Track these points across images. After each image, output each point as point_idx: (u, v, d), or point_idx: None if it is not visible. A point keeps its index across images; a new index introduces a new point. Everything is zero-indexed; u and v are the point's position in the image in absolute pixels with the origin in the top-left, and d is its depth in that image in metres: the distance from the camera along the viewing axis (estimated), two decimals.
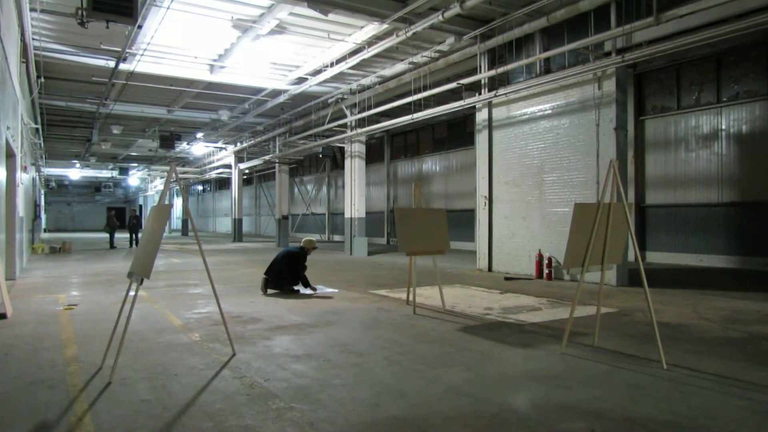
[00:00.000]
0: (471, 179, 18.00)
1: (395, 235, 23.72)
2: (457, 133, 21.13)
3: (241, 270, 12.91)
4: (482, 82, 12.15)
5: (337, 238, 28.73)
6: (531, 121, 11.41)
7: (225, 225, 42.84)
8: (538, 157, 11.23)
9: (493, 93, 11.72)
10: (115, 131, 21.44)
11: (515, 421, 3.43)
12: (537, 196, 11.25)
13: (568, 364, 4.67)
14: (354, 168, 17.71)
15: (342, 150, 21.49)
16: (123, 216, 41.97)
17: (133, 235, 22.63)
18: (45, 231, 38.29)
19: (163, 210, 4.66)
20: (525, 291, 9.11)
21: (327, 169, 29.95)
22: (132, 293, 4.64)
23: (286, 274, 8.85)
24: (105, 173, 43.22)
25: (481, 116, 12.51)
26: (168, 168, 35.29)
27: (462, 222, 19.67)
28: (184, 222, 38.51)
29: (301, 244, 9.13)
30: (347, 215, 18.02)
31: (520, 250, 11.58)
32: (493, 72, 11.51)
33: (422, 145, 23.17)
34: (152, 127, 22.96)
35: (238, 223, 27.92)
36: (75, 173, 43.05)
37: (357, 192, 17.63)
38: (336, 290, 9.22)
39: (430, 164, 22.63)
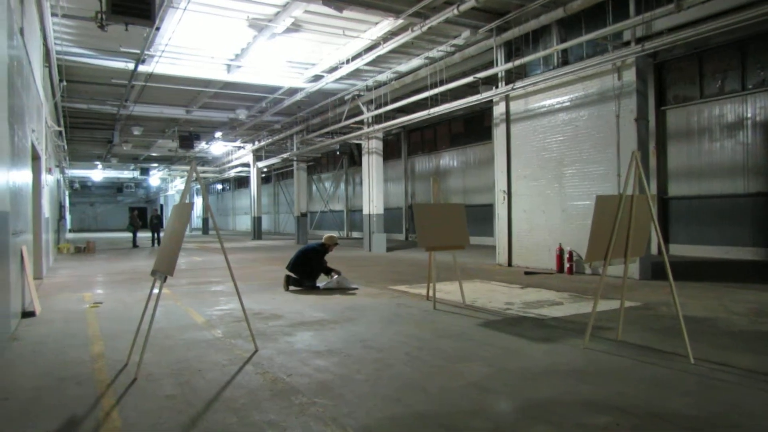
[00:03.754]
0: (489, 174, 17.88)
1: (414, 231, 23.70)
2: (474, 127, 20.99)
3: (262, 267, 13.01)
4: (499, 75, 12.05)
5: (355, 234, 28.80)
6: (549, 114, 11.27)
7: (244, 223, 43.23)
8: (557, 150, 11.10)
9: (510, 86, 11.61)
10: (135, 132, 21.76)
11: (538, 416, 3.40)
12: (556, 190, 11.13)
13: (591, 358, 4.61)
14: (371, 164, 17.73)
15: (359, 147, 21.52)
16: (145, 215, 42.57)
17: (155, 234, 22.97)
18: (70, 231, 39.07)
19: (185, 208, 4.72)
20: (546, 285, 9.02)
21: (344, 166, 30.02)
22: (156, 291, 4.70)
23: (306, 270, 8.93)
24: (126, 174, 43.93)
25: (499, 110, 12.40)
26: (188, 167, 35.69)
27: (481, 217, 19.56)
28: (205, 221, 39.01)
29: (322, 240, 9.20)
30: (365, 212, 18.06)
31: (540, 244, 11.47)
32: (509, 65, 11.39)
33: (439, 141, 23.08)
34: (171, 128, 23.25)
35: (257, 221, 28.17)
36: (97, 174, 43.84)
37: (375, 188, 17.65)
38: (356, 286, 9.25)
39: (448, 159, 22.53)
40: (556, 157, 11.13)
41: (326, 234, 9.54)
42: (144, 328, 4.77)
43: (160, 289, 4.56)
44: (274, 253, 17.58)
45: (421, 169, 24.15)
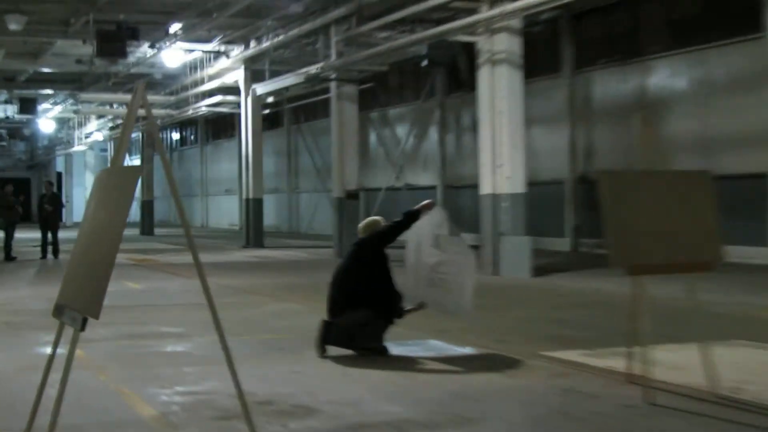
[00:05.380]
0: (762, 106, 17.33)
1: (594, 234, 23.38)
2: (724, 5, 20.42)
3: (269, 306, 13.26)
4: None
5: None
6: None
7: (228, 212, 44.26)
8: None
9: None
10: (12, 26, 22.57)
11: None
12: None
13: None
14: (498, 88, 17.62)
15: (469, 51, 21.41)
16: (28, 195, 44.30)
17: (50, 233, 23.73)
18: None
19: (127, 177, 4.74)
20: None
21: (437, 93, 30.01)
22: (61, 350, 4.78)
23: (365, 295, 8.89)
24: None
25: None
26: (114, 96, 36.42)
27: (743, 201, 19.06)
28: (145, 206, 39.81)
29: (362, 235, 9.33)
30: (485, 190, 18.00)
31: None
32: None
33: (646, 36, 22.74)
34: (83, 17, 23.89)
35: (254, 208, 28.61)
36: None
37: (506, 139, 17.55)
38: (470, 350, 9.23)
39: (666, 75, 22.16)
40: None
41: (365, 222, 9.61)
42: (42, 425, 4.86)
43: (73, 347, 4.61)
44: (292, 277, 17.89)
45: (607, 97, 23.94)
